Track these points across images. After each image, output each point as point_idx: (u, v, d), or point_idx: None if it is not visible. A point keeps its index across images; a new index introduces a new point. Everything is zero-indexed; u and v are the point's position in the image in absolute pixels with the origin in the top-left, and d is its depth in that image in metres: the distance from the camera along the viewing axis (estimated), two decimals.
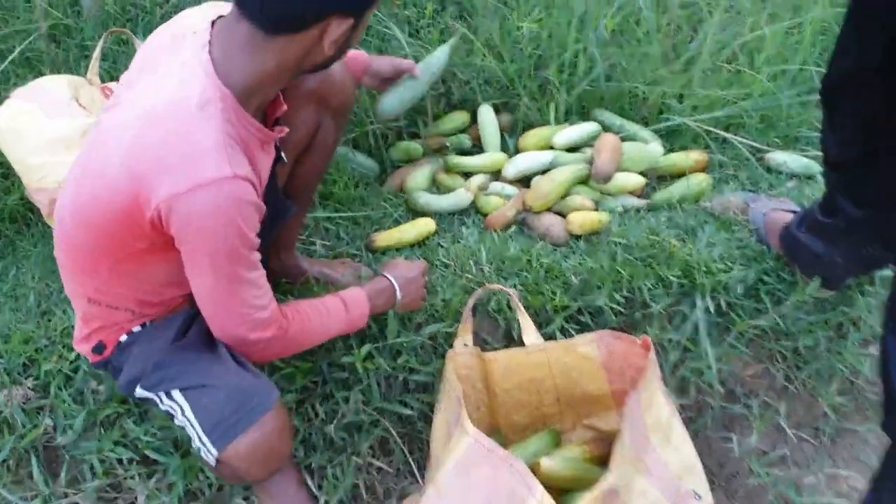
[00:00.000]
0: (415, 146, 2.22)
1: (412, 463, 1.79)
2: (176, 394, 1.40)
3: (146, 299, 1.46)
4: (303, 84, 1.56)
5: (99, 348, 1.51)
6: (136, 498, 1.71)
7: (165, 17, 2.33)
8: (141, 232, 1.29)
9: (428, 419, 1.79)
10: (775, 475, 1.81)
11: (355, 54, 1.85)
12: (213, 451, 1.37)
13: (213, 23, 1.31)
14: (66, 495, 1.70)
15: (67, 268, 1.46)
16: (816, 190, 2.08)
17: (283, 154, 1.47)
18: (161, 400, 1.43)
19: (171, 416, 1.43)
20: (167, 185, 1.21)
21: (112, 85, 2.10)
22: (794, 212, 1.87)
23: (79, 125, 1.82)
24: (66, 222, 1.39)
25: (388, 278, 1.71)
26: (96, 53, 2.09)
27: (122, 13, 2.39)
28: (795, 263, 1.82)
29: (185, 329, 1.47)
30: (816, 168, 2.13)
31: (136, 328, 1.49)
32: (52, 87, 1.94)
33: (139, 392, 1.45)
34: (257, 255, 1.35)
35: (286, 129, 1.42)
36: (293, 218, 1.67)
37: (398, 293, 1.71)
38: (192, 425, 1.39)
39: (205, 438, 1.37)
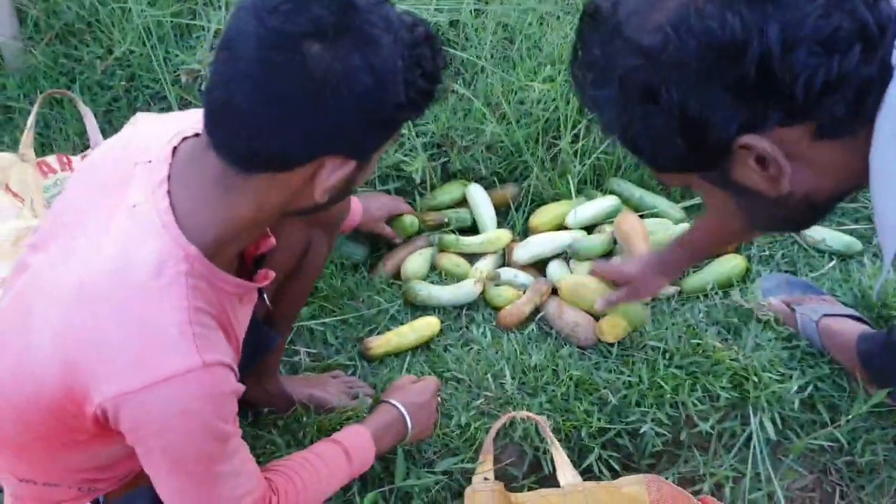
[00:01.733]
0: (410, 221, 1.93)
1: None
2: None
3: (95, 476, 1.15)
4: None
5: None
6: None
7: (108, 74, 1.99)
8: (80, 426, 0.99)
9: None
10: None
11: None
12: None
13: (174, 148, 0.99)
14: None
15: None
16: (856, 270, 1.86)
17: (265, 298, 1.17)
18: None
19: None
20: (114, 380, 0.92)
21: (50, 159, 1.76)
22: (850, 316, 1.66)
23: (8, 230, 1.47)
24: None
25: (396, 407, 1.42)
26: (30, 122, 1.75)
27: (53, 66, 2.01)
28: (875, 382, 1.60)
29: None
30: (857, 246, 1.92)
31: None
32: None
33: None
34: (235, 437, 1.05)
35: (272, 275, 1.11)
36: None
37: (409, 424, 1.42)
38: None
39: None
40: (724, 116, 0.75)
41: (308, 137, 0.90)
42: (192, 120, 1.01)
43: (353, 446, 1.31)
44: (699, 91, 0.74)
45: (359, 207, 1.71)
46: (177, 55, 1.94)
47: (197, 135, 0.99)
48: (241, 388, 1.02)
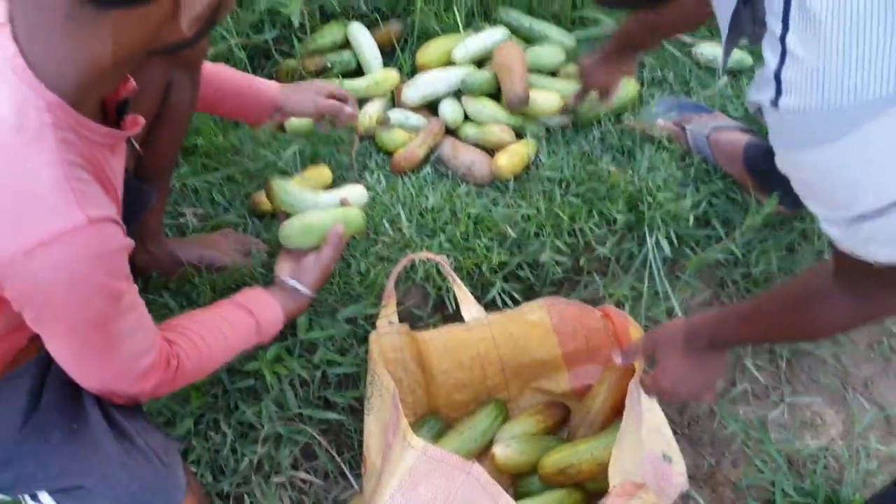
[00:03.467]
0: (292, 65, 1.80)
1: (343, 465, 1.53)
2: (44, 497, 1.05)
3: None
4: None
5: None
6: None
7: None
8: None
9: (356, 413, 1.52)
10: (738, 415, 1.67)
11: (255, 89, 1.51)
12: None
13: None
14: None
15: None
16: (747, 85, 1.86)
17: (134, 143, 1.07)
18: (25, 500, 1.07)
19: None
20: None
21: None
22: (740, 129, 1.66)
23: None
24: None
25: (287, 285, 1.38)
26: None
27: None
28: (755, 182, 1.62)
29: (36, 392, 1.09)
30: (748, 61, 1.90)
31: None
32: None
33: None
34: (131, 295, 0.99)
35: (141, 121, 1.00)
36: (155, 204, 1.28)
37: (305, 290, 1.38)
38: None
39: None
40: None
41: None
42: None
43: (265, 319, 1.28)
44: None
45: (275, 90, 1.56)
46: None
47: None
48: (131, 242, 0.95)
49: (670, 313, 1.64)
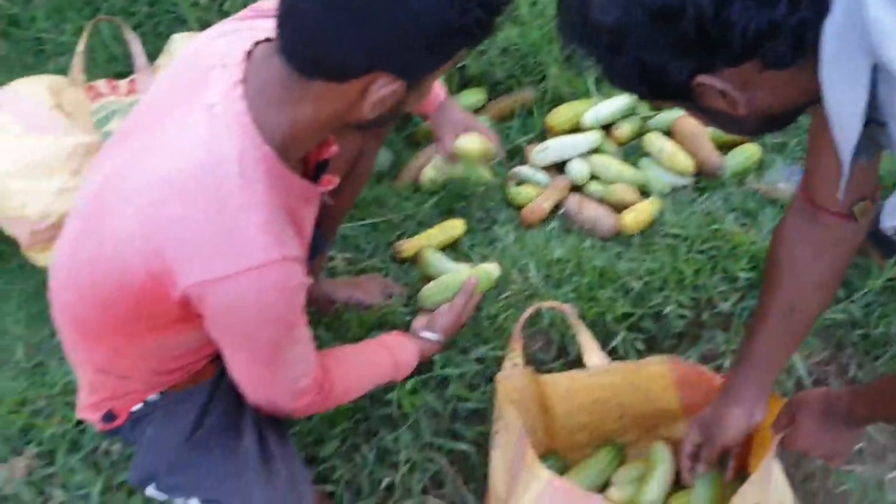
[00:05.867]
0: (427, 128, 1.98)
1: (469, 494, 1.64)
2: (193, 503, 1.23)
3: (164, 368, 1.25)
4: None
5: (108, 417, 1.29)
6: None
7: (130, 2, 2.03)
8: (162, 309, 1.08)
9: (481, 447, 1.62)
10: (854, 473, 1.69)
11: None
12: None
13: (248, 52, 1.05)
14: None
15: (67, 334, 1.23)
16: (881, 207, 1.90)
17: (327, 199, 1.24)
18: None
19: None
20: (198, 268, 1.00)
21: (100, 84, 1.83)
22: None
23: (63, 146, 1.56)
24: (62, 284, 1.17)
25: (430, 340, 1.56)
26: (80, 47, 1.81)
27: None
28: (877, 249, 1.66)
29: (205, 406, 1.27)
30: None
31: (153, 396, 1.28)
32: (29, 94, 1.68)
33: (151, 492, 1.27)
34: (302, 326, 1.15)
35: (336, 181, 1.18)
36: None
37: (436, 337, 1.57)
38: None
39: None
40: (676, 66, 0.89)
41: (363, 48, 0.94)
42: (266, 26, 1.04)
43: (397, 345, 1.46)
44: (651, 49, 0.88)
45: (440, 94, 1.67)
46: None
47: (269, 40, 1.03)
48: (309, 281, 1.10)
49: (789, 372, 1.69)
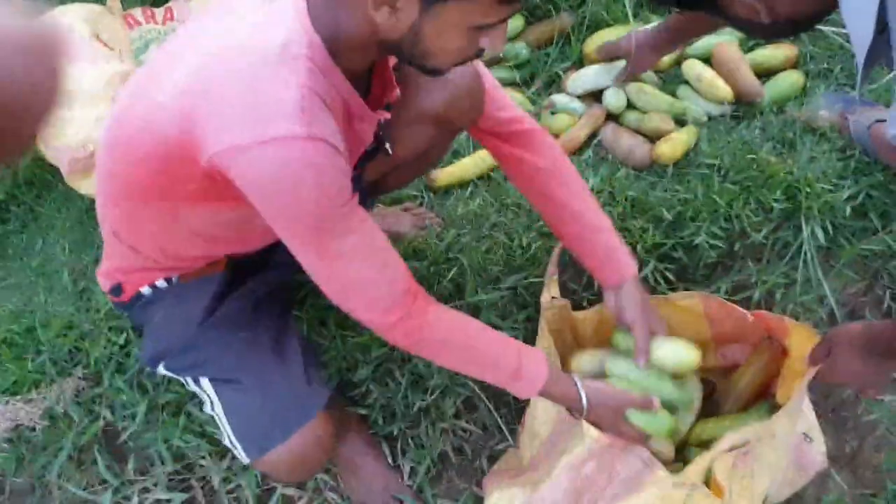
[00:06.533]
0: None
1: (499, 420, 1.68)
2: (205, 383, 1.27)
3: (168, 248, 1.25)
4: (428, 103, 1.28)
5: (116, 290, 1.33)
6: (210, 478, 1.60)
7: None
8: (190, 176, 1.06)
9: None
10: (883, 402, 1.69)
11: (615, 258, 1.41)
12: (245, 457, 1.28)
13: None
14: (134, 483, 1.60)
15: (100, 191, 1.25)
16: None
17: (387, 145, 1.23)
18: (187, 382, 1.30)
19: (199, 400, 1.32)
20: (225, 134, 0.98)
21: (136, 12, 1.83)
22: None
23: (101, 74, 1.58)
24: (106, 147, 1.18)
25: (576, 385, 1.28)
26: None
27: None
28: None
29: (219, 298, 1.29)
30: None
31: (161, 282, 1.30)
32: (66, 24, 1.68)
33: (162, 370, 1.32)
34: (357, 220, 1.07)
35: (387, 115, 1.17)
36: None
37: (584, 402, 1.27)
38: (221, 423, 1.29)
39: (236, 443, 1.28)
40: None
41: None
42: None
43: (527, 354, 1.24)
44: None
45: (630, 273, 1.43)
46: None
47: None
48: (348, 168, 1.05)
49: (822, 301, 1.68)
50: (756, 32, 1.09)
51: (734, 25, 1.09)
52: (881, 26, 0.89)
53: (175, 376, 1.33)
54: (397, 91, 1.19)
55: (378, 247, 1.11)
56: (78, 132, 1.57)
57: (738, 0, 0.95)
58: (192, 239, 1.23)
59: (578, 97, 1.89)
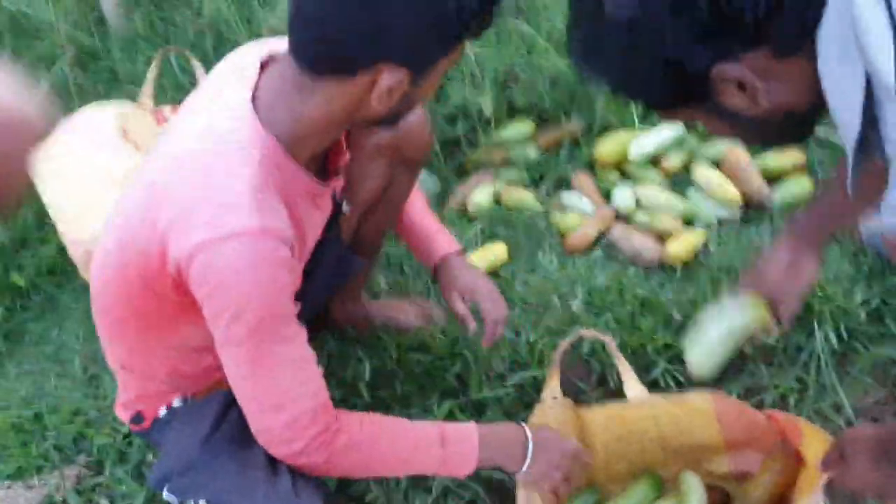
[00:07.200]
0: (479, 157, 2.02)
1: None
2: None
3: (181, 369, 1.28)
4: (373, 136, 1.35)
5: (137, 419, 1.35)
6: None
7: (199, 35, 2.14)
8: (164, 290, 1.10)
9: None
10: None
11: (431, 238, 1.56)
12: None
13: (266, 61, 1.12)
14: None
15: (100, 331, 1.29)
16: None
17: (343, 205, 1.27)
18: None
19: None
20: (186, 236, 1.02)
21: (166, 109, 1.93)
22: None
23: (119, 169, 1.64)
24: (95, 279, 1.23)
25: (522, 429, 1.29)
26: (150, 75, 1.92)
27: (150, 30, 2.19)
28: None
29: (222, 414, 1.29)
30: None
31: (177, 402, 1.31)
32: (97, 119, 1.77)
33: (166, 495, 1.28)
34: (295, 328, 1.10)
35: (342, 181, 1.22)
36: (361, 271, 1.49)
37: (528, 458, 1.27)
38: None
39: None
40: (695, 53, 0.88)
41: (367, 41, 0.99)
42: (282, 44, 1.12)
43: (455, 435, 1.23)
44: (669, 40, 0.87)
45: (449, 245, 1.57)
46: (259, 12, 2.08)
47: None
48: (296, 263, 1.09)
49: (839, 409, 1.63)
50: (754, 132, 1.02)
51: (730, 123, 0.99)
52: (870, 118, 0.88)
53: (177, 500, 1.27)
54: (347, 156, 1.23)
55: (308, 360, 1.13)
56: (92, 226, 1.61)
57: (733, 84, 0.90)
58: (201, 353, 1.23)
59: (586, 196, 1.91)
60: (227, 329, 1.06)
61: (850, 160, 0.92)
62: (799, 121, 0.99)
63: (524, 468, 1.27)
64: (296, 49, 1.04)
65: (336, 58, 1.02)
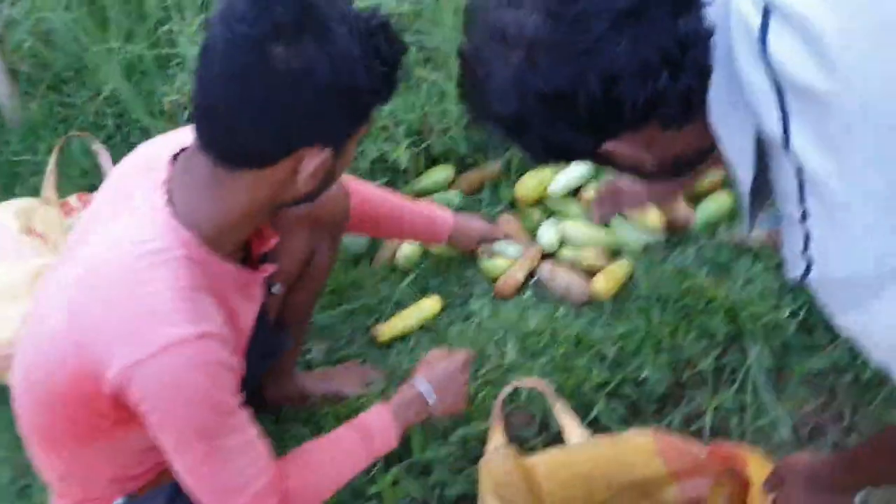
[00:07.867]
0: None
1: None
2: None
3: (125, 472, 1.24)
4: (294, 210, 1.33)
5: None
6: None
7: (100, 116, 2.09)
8: (102, 409, 1.08)
9: None
10: None
11: (431, 215, 1.72)
12: None
13: (175, 156, 1.09)
14: None
15: (29, 443, 1.24)
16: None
17: (272, 288, 1.25)
18: None
19: None
20: (119, 354, 1.00)
21: (71, 199, 1.88)
22: None
23: (27, 269, 1.60)
24: (20, 390, 1.18)
25: (414, 385, 1.43)
26: (50, 166, 1.88)
27: (49, 116, 2.13)
28: None
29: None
30: None
31: (119, 501, 1.26)
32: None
33: None
34: (240, 416, 1.12)
35: (272, 268, 1.20)
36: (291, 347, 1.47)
37: (431, 401, 1.42)
38: None
39: None
40: (579, 141, 0.91)
41: (281, 133, 0.98)
42: (190, 135, 1.09)
43: (372, 427, 1.34)
44: (553, 130, 0.90)
45: (449, 221, 1.77)
46: (159, 87, 2.04)
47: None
48: (236, 362, 1.08)
49: (778, 425, 1.65)
50: (647, 178, 1.08)
51: (632, 174, 1.06)
52: (762, 167, 0.91)
53: None
54: (274, 240, 1.21)
55: (255, 438, 1.14)
56: (4, 330, 1.57)
57: (620, 153, 0.94)
58: (146, 453, 1.21)
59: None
60: (177, 439, 1.07)
61: (745, 207, 0.96)
62: (688, 163, 1.03)
63: (435, 411, 1.42)
64: (206, 143, 1.02)
65: (251, 152, 1.00)
